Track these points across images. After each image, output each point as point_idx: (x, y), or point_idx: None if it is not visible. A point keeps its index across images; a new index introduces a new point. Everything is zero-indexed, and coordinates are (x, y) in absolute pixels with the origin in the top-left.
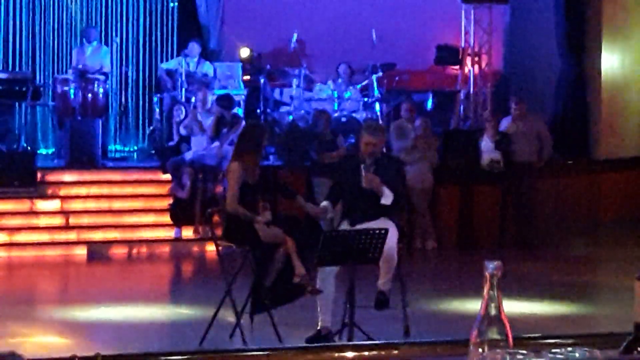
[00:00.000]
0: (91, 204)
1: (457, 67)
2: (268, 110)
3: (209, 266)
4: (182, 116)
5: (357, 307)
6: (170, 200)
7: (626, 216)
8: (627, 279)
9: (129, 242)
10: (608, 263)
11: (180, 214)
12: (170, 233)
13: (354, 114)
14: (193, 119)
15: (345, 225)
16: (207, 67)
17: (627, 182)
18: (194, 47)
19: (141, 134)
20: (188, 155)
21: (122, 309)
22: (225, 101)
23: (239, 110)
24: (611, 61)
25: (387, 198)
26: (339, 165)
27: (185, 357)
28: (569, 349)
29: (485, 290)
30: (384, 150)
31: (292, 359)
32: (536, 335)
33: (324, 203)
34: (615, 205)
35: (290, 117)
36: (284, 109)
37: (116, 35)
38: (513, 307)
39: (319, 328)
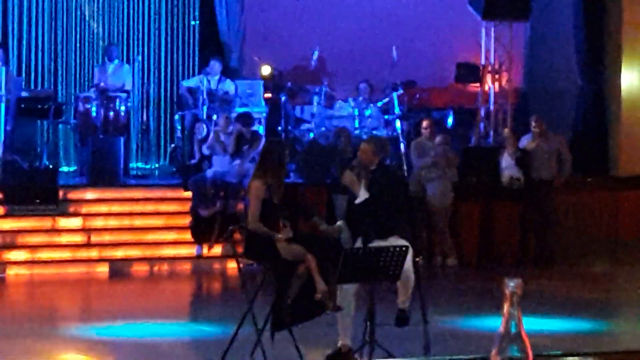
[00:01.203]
0: (113, 222)
1: (478, 84)
2: (289, 127)
3: (230, 284)
4: (204, 134)
5: (377, 324)
6: (191, 218)
7: None
8: None
9: (151, 260)
10: (628, 280)
11: (201, 232)
12: (191, 250)
13: (374, 132)
14: (216, 141)
15: (359, 243)
16: (229, 85)
17: None
18: (216, 65)
19: (163, 152)
20: (209, 173)
21: (144, 327)
22: (245, 119)
23: (260, 128)
24: (631, 78)
25: (359, 198)
26: None
27: None
28: None
29: (506, 308)
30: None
31: None
32: (556, 353)
33: (339, 223)
34: (635, 222)
35: (311, 135)
36: (304, 126)
37: (138, 54)
38: (533, 324)
39: (339, 345)
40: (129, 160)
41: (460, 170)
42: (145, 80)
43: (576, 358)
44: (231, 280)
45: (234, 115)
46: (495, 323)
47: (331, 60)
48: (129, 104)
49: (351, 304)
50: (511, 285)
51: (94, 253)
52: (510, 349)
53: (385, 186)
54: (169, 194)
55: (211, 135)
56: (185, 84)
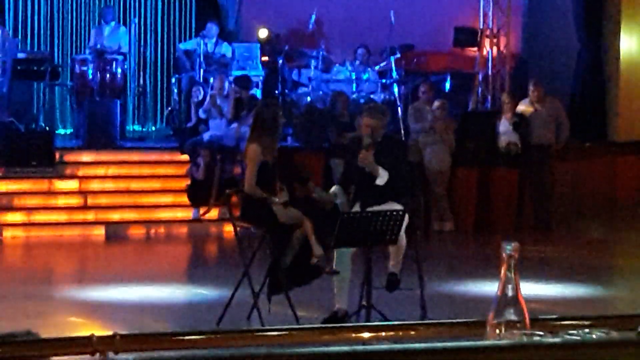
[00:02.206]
0: (109, 185)
1: (475, 49)
2: (286, 91)
3: (227, 247)
4: (201, 97)
5: (374, 288)
6: (188, 181)
7: None
8: None
9: (147, 223)
10: (625, 245)
11: (197, 195)
12: (188, 214)
13: (372, 96)
14: (212, 104)
15: (357, 208)
16: (225, 48)
17: None
18: (212, 28)
19: (159, 115)
20: (206, 136)
21: (140, 289)
22: (243, 81)
23: (257, 92)
24: (630, 43)
25: (381, 179)
26: (349, 147)
27: (202, 337)
28: (586, 330)
29: (502, 272)
30: (388, 132)
31: (310, 339)
32: (553, 316)
33: (334, 188)
34: (632, 187)
35: (308, 99)
36: (302, 90)
37: (134, 16)
38: (530, 289)
39: (335, 310)
40: (125, 123)
41: (457, 135)
42: (142, 43)
43: (573, 322)
44: (228, 244)
45: (231, 78)
46: (492, 287)
47: (329, 24)
48: (125, 67)
49: (347, 268)
50: (508, 248)
51: (90, 215)
52: (507, 313)
53: (392, 156)
54: (166, 157)
55: (207, 99)
56: (183, 46)
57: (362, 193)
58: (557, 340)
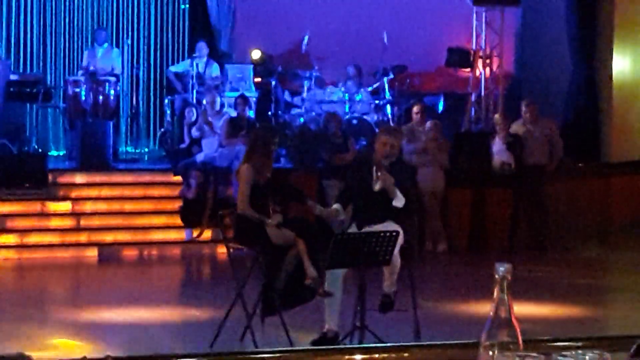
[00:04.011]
0: (102, 206)
1: (469, 69)
2: (279, 112)
3: (220, 268)
4: (194, 118)
5: (367, 309)
6: (181, 203)
7: (638, 219)
8: (638, 281)
9: (140, 244)
10: (619, 266)
11: (190, 216)
12: (181, 235)
13: (365, 116)
14: (204, 121)
15: (353, 228)
16: (215, 69)
17: (638, 185)
18: (203, 47)
19: (152, 136)
20: (199, 157)
21: (133, 311)
22: (241, 100)
23: (250, 112)
24: (623, 64)
25: (399, 200)
26: (351, 168)
27: (195, 359)
28: (580, 351)
29: (496, 293)
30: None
31: None
32: (547, 338)
33: (335, 205)
34: (626, 208)
35: (302, 120)
36: (295, 111)
37: (127, 37)
38: (524, 309)
39: (324, 330)
40: (118, 144)
41: (451, 156)
42: (135, 64)
43: (566, 343)
44: (221, 265)
45: (225, 100)
46: (485, 308)
47: (322, 45)
48: (118, 88)
49: (339, 289)
50: (501, 270)
51: (83, 237)
52: (500, 334)
53: (402, 179)
54: (159, 178)
55: (200, 117)
56: (173, 69)
57: (360, 213)
58: None
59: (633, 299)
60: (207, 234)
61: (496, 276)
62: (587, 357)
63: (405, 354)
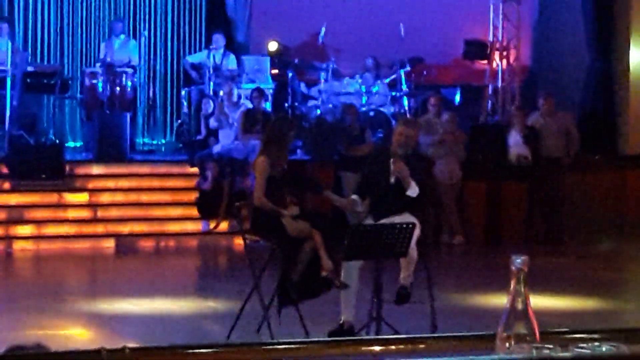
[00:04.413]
0: (119, 197)
1: (485, 61)
2: (296, 104)
3: (237, 260)
4: (210, 109)
5: (384, 302)
6: (198, 194)
7: None
8: None
9: (157, 235)
10: (635, 258)
11: (207, 208)
12: (197, 226)
13: (381, 108)
14: (220, 112)
15: (369, 220)
16: (232, 61)
17: None
18: (219, 39)
19: (169, 128)
20: (216, 149)
21: (150, 302)
22: (258, 94)
23: (267, 104)
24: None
25: (413, 190)
26: (368, 159)
27: (213, 350)
28: (596, 343)
29: (512, 285)
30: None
31: (319, 353)
32: (563, 330)
33: (353, 196)
34: None
35: (318, 111)
36: (311, 102)
37: (144, 29)
38: (540, 302)
39: (341, 322)
40: (135, 135)
41: (467, 148)
42: (152, 56)
43: (583, 335)
44: (237, 257)
45: (242, 91)
46: (501, 300)
47: (338, 37)
48: (135, 80)
49: (355, 281)
50: (517, 262)
51: (100, 228)
52: (517, 326)
53: (417, 170)
54: (175, 169)
55: (216, 108)
56: (190, 59)
57: (377, 205)
58: (567, 354)
59: None
60: (224, 226)
61: (513, 268)
62: (603, 349)
63: (422, 346)
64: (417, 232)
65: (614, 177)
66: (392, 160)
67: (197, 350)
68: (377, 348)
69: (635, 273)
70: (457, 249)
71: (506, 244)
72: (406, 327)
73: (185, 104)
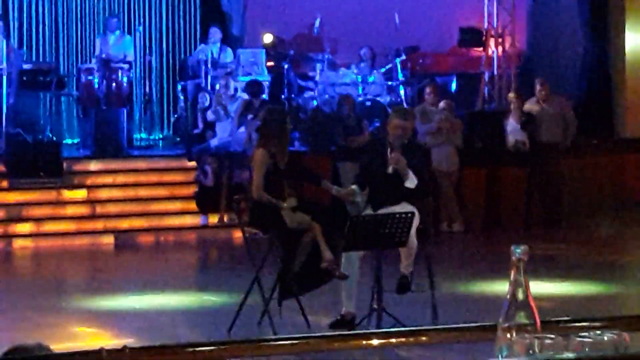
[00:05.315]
0: (117, 193)
1: (481, 48)
2: (292, 95)
3: (236, 253)
4: (207, 103)
5: (385, 291)
6: (196, 188)
7: None
8: None
9: (156, 230)
10: (634, 242)
11: (206, 201)
12: (196, 220)
13: (378, 98)
14: (218, 104)
15: (368, 210)
16: (229, 55)
17: None
18: (216, 32)
19: (166, 122)
20: (213, 142)
21: (150, 297)
22: (254, 87)
23: (263, 97)
24: (635, 40)
25: (411, 181)
26: (366, 150)
27: (213, 347)
28: (597, 332)
29: (512, 275)
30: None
31: (320, 347)
32: (564, 318)
33: (353, 186)
34: None
35: (315, 102)
36: (308, 94)
37: (139, 24)
38: (540, 288)
39: (342, 313)
40: (132, 131)
41: (465, 136)
42: (147, 51)
43: (584, 323)
44: (237, 250)
45: (238, 84)
46: (502, 287)
47: (333, 27)
48: (131, 75)
49: (356, 271)
50: (517, 251)
51: (99, 224)
52: (518, 316)
53: (415, 160)
54: (173, 164)
55: (214, 100)
56: (194, 56)
57: (376, 195)
58: (568, 342)
59: None
60: (223, 219)
61: (512, 258)
62: (605, 337)
63: (423, 338)
64: (416, 221)
65: (611, 160)
66: (389, 152)
67: (197, 349)
68: (377, 341)
69: (635, 256)
70: (457, 237)
71: (506, 230)
72: (407, 317)
73: (181, 98)
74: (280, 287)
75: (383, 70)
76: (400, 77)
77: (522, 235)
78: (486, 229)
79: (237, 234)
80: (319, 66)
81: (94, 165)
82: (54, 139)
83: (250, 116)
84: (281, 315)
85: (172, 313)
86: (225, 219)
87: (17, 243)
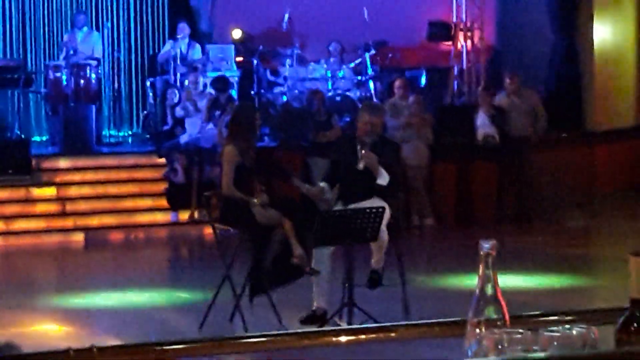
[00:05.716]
0: (87, 190)
1: (450, 42)
2: (262, 91)
3: (207, 249)
4: (176, 99)
5: (356, 286)
6: (166, 185)
7: (622, 188)
8: (623, 251)
9: (126, 227)
10: (605, 235)
11: (176, 198)
12: (167, 217)
13: (347, 93)
14: (187, 100)
15: (339, 206)
16: (197, 50)
17: (622, 153)
18: (184, 28)
19: (135, 119)
20: (183, 139)
21: (121, 295)
22: (220, 83)
23: (233, 92)
24: (603, 32)
25: (383, 178)
26: (336, 145)
27: (183, 346)
28: (567, 326)
29: (481, 270)
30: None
31: (290, 345)
32: (533, 313)
33: (322, 184)
34: (611, 176)
35: (284, 98)
36: (277, 89)
37: (107, 20)
38: (510, 281)
39: (313, 309)
40: (101, 128)
41: (435, 130)
42: (115, 47)
43: (553, 318)
44: (208, 246)
45: (206, 79)
46: (473, 281)
47: (302, 22)
48: (99, 72)
49: (326, 267)
50: (486, 246)
51: (69, 222)
52: (487, 311)
53: (387, 156)
54: (143, 160)
55: (183, 96)
56: (163, 53)
57: (346, 190)
58: (537, 337)
59: (618, 268)
60: (194, 215)
61: (481, 253)
62: (574, 332)
63: (393, 334)
64: (387, 216)
65: (581, 153)
66: (359, 148)
67: (166, 347)
68: (347, 338)
69: (604, 249)
70: (428, 231)
71: (477, 225)
72: (379, 311)
73: (150, 94)
74: (251, 283)
75: (352, 65)
76: (370, 71)
77: (493, 228)
78: (457, 223)
79: (208, 231)
80: (288, 61)
81: (63, 163)
82: (23, 136)
83: (217, 112)
84: (252, 312)
85: (143, 310)
86: (196, 215)
87: None
